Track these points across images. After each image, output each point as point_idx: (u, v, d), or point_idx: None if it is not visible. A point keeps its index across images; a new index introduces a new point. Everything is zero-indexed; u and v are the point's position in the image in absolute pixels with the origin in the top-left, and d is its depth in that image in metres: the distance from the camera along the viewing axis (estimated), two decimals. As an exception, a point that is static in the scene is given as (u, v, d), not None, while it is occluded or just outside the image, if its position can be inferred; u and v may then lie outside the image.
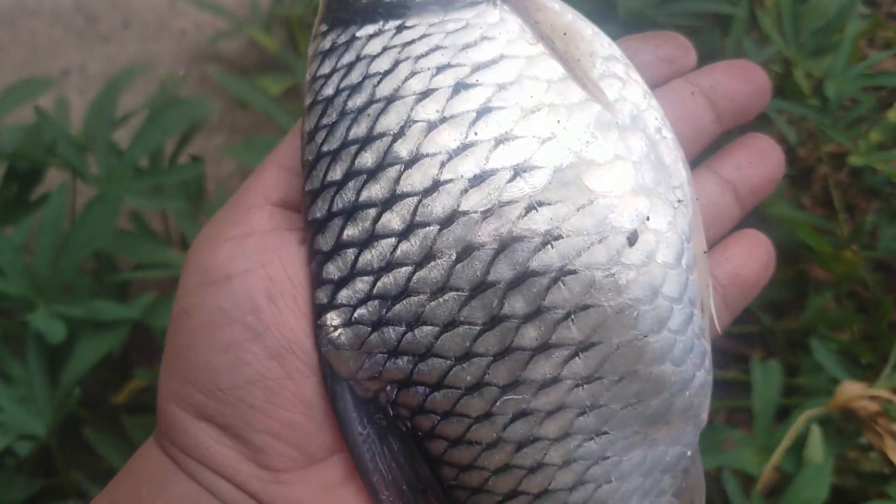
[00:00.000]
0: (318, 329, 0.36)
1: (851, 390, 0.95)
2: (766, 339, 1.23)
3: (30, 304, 1.00)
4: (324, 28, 0.39)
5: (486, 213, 0.33)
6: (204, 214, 1.11)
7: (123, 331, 1.00)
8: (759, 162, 0.43)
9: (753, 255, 0.42)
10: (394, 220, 0.34)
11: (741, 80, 0.42)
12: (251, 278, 0.37)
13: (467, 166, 0.34)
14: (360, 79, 0.36)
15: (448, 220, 0.33)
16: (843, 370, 1.04)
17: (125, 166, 1.06)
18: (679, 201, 0.36)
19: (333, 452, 0.38)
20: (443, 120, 0.34)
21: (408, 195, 0.34)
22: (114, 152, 1.10)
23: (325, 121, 0.36)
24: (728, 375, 1.21)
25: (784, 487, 0.96)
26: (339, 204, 0.35)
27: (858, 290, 1.20)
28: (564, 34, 0.36)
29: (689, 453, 0.38)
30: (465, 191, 0.34)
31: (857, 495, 1.00)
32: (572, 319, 0.34)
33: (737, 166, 0.44)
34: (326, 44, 0.38)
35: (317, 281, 0.36)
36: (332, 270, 0.36)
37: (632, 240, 0.34)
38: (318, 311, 0.36)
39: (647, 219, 0.34)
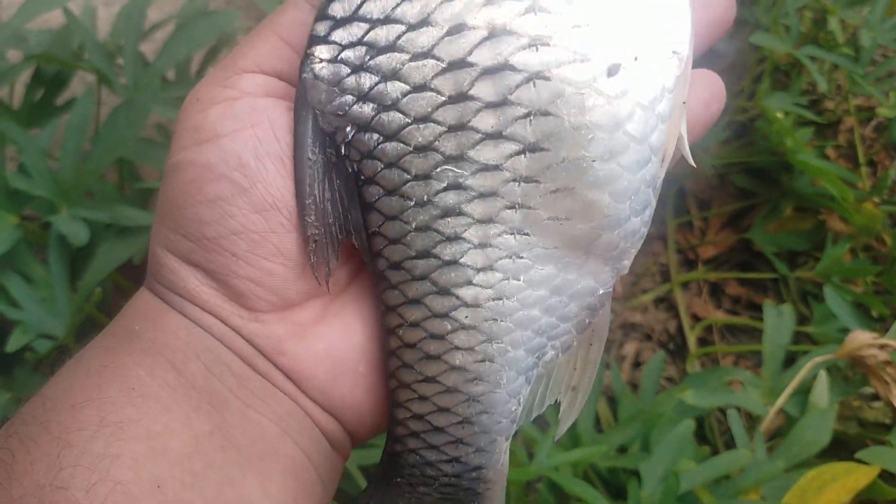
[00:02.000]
0: (305, 57, 0.38)
1: (861, 339, 0.95)
2: (780, 286, 1.24)
3: (53, 206, 1.01)
4: None
5: (489, 2, 0.35)
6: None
7: (144, 238, 1.00)
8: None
9: (705, 83, 0.41)
10: (407, 7, 0.36)
11: None
12: (240, 138, 0.39)
13: None
14: None
15: (457, 29, 0.35)
16: (854, 320, 1.04)
17: (152, 76, 1.05)
18: (674, 53, 0.36)
19: (309, 298, 0.41)
20: None
21: None
22: (141, 62, 1.10)
23: None
24: (739, 321, 1.22)
25: (787, 431, 0.98)
26: None
27: (874, 245, 1.21)
28: None
29: (600, 291, 0.40)
30: None
31: (858, 442, 1.01)
32: (530, 120, 0.35)
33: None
34: None
35: (319, 14, 0.38)
36: (337, 9, 0.37)
37: (612, 71, 0.35)
38: (311, 41, 0.38)
39: (636, 58, 0.35)
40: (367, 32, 0.37)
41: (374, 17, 0.37)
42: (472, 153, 0.36)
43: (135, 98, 0.99)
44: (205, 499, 0.36)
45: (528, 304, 0.39)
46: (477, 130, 0.36)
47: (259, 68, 0.40)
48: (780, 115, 1.10)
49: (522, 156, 0.36)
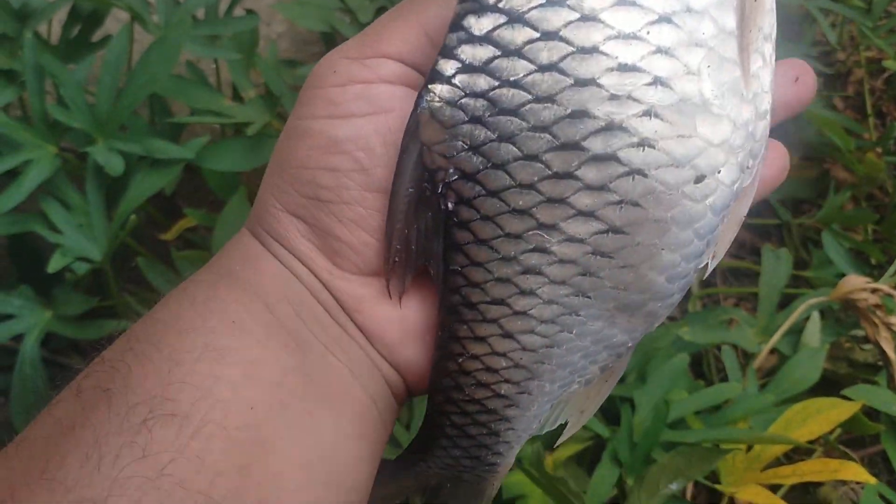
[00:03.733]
0: (425, 90, 0.40)
1: (854, 282, 1.00)
2: (783, 232, 1.28)
3: (90, 138, 1.07)
4: None
5: (613, 97, 0.37)
6: (255, 68, 1.16)
7: (176, 170, 1.06)
8: (793, 83, 0.45)
9: (770, 159, 0.45)
10: (543, 51, 0.38)
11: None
12: (372, 122, 0.42)
13: (626, 53, 0.37)
14: None
15: (582, 82, 0.37)
16: (850, 265, 1.09)
17: (184, 15, 1.10)
18: (748, 168, 0.40)
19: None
20: (632, 3, 0.37)
21: (566, 41, 0.37)
22: (172, 1, 1.15)
23: None
24: (742, 264, 1.26)
25: (779, 371, 1.03)
26: (507, 4, 0.38)
27: (877, 194, 1.24)
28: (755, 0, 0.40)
29: (630, 345, 0.44)
30: (611, 70, 0.37)
31: (848, 382, 1.06)
32: (621, 207, 0.39)
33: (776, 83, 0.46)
34: None
35: (446, 49, 0.39)
36: (468, 52, 0.39)
37: (699, 179, 0.39)
38: (433, 75, 0.40)
39: (719, 171, 0.39)
40: (493, 88, 0.38)
41: (503, 76, 0.38)
42: (563, 225, 0.40)
43: (168, 36, 1.04)
44: (288, 423, 0.40)
45: (572, 350, 0.44)
46: (573, 206, 0.39)
47: (401, 57, 0.42)
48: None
49: (606, 235, 0.40)
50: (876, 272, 1.16)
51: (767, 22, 0.40)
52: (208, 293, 0.42)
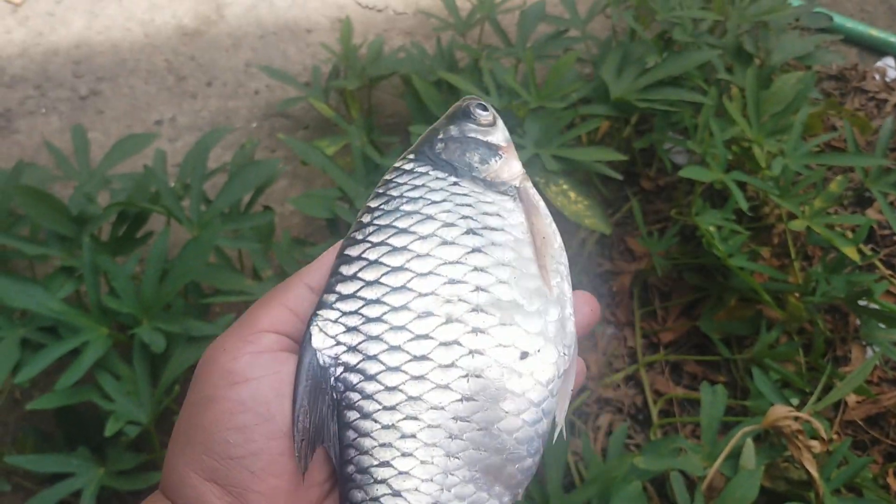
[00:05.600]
0: (315, 315, 0.53)
1: (779, 412, 1.18)
2: (730, 365, 1.47)
3: (137, 320, 1.29)
4: (412, 156, 0.59)
5: (448, 301, 0.53)
6: (272, 251, 1.40)
7: (206, 345, 1.27)
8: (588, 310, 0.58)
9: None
10: (394, 279, 0.53)
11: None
12: (266, 381, 0.50)
13: (451, 272, 0.53)
14: (418, 196, 0.56)
15: (425, 294, 0.53)
16: (777, 395, 1.27)
17: (214, 213, 1.34)
18: (565, 353, 0.54)
19: None
20: (453, 243, 0.54)
21: (410, 271, 0.53)
22: (203, 200, 1.39)
23: (383, 206, 0.56)
24: (695, 395, 1.45)
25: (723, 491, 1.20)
26: (366, 254, 0.54)
27: (808, 328, 1.44)
28: (543, 238, 0.56)
29: None
30: (444, 284, 0.53)
31: (788, 498, 1.23)
32: (468, 379, 0.51)
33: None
34: (409, 165, 0.58)
35: (329, 287, 0.53)
36: (342, 288, 0.53)
37: (523, 356, 0.52)
38: (321, 303, 0.53)
39: (539, 350, 0.53)
40: (362, 306, 0.53)
41: (370, 298, 0.53)
42: (426, 396, 0.51)
43: (202, 235, 1.28)
44: None
45: None
46: (431, 381, 0.51)
47: (274, 329, 0.53)
48: (712, 228, 1.35)
49: (461, 402, 0.51)
50: (808, 397, 1.34)
51: (558, 253, 0.56)
52: None
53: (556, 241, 0.57)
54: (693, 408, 1.47)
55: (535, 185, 0.64)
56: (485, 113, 0.61)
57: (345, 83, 1.62)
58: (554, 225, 0.58)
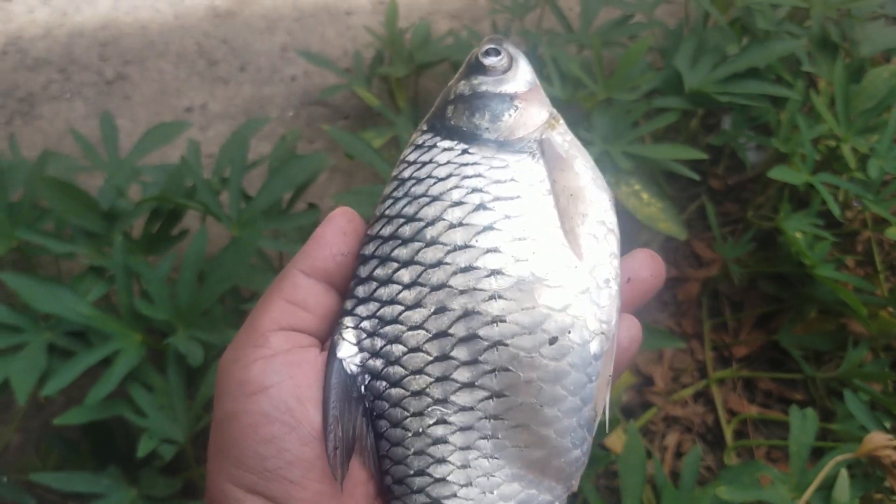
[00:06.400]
0: (337, 324, 0.50)
1: (877, 440, 1.07)
2: (808, 383, 1.36)
3: (172, 327, 1.19)
4: (424, 127, 0.54)
5: (463, 292, 0.48)
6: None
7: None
8: (626, 283, 0.52)
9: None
10: (405, 275, 0.49)
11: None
12: (284, 387, 0.48)
13: (462, 259, 0.48)
14: (426, 175, 0.51)
15: (437, 287, 0.48)
16: (872, 420, 1.16)
17: (255, 211, 1.24)
18: (602, 333, 0.48)
19: None
20: (461, 224, 0.49)
21: (419, 263, 0.49)
22: (243, 197, 1.29)
23: (394, 193, 0.52)
24: (772, 415, 1.34)
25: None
26: (379, 251, 0.50)
27: (895, 345, 1.32)
28: (571, 195, 0.50)
29: (556, 503, 0.50)
30: (455, 273, 0.48)
31: (881, 533, 1.13)
32: (495, 374, 0.47)
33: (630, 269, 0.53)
34: (420, 139, 0.54)
35: (348, 293, 0.51)
36: (359, 291, 0.50)
37: (552, 341, 0.47)
38: (343, 312, 0.51)
39: (569, 332, 0.47)
40: (379, 309, 0.50)
41: (385, 298, 0.50)
42: (453, 397, 0.48)
43: (243, 236, 1.17)
44: None
45: None
46: (456, 381, 0.48)
47: (278, 326, 0.50)
48: (798, 234, 1.23)
49: (490, 400, 0.48)
50: (899, 421, 1.23)
51: (593, 208, 0.50)
52: None
53: (589, 194, 0.51)
54: (767, 428, 1.36)
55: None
56: (496, 59, 0.55)
57: (391, 70, 1.51)
58: (590, 174, 0.52)
